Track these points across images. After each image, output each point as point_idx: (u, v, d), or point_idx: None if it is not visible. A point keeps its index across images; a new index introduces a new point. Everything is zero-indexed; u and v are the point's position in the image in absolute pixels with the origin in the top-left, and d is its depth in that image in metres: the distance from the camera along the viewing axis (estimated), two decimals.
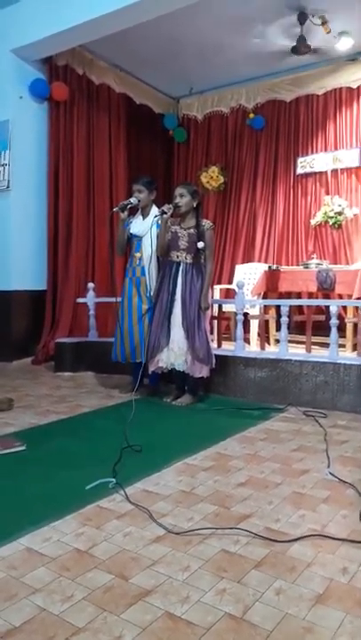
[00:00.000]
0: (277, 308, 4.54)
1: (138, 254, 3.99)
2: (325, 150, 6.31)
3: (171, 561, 1.69)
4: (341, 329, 4.22)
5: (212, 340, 4.19)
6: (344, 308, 4.62)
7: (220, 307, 4.80)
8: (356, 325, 4.22)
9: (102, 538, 1.84)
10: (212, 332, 4.30)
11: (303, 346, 4.42)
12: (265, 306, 4.73)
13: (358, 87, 6.06)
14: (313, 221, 6.30)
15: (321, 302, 4.68)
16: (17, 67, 5.47)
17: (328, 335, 3.89)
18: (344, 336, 4.43)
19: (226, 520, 1.99)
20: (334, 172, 6.22)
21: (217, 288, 5.64)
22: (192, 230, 3.75)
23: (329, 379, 3.73)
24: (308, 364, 3.81)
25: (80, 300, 5.41)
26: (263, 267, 5.52)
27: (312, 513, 2.06)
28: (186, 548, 1.77)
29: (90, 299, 5.07)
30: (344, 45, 5.60)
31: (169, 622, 1.39)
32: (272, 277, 4.94)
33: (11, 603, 1.47)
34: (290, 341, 4.21)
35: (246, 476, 2.45)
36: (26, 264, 5.65)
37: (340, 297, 4.73)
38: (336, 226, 6.09)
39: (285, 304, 4.09)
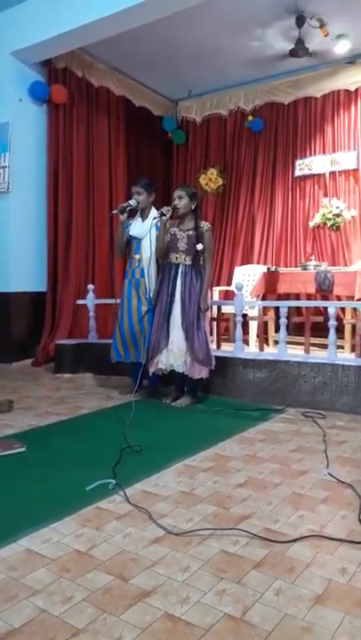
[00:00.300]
0: (276, 309, 4.56)
1: (137, 256, 4.00)
2: (324, 153, 6.33)
3: (170, 562, 1.70)
4: (340, 330, 4.23)
5: (212, 342, 4.19)
6: (342, 309, 4.63)
7: (219, 308, 4.81)
8: (354, 327, 4.24)
9: (102, 539, 1.85)
10: (211, 334, 4.31)
11: (302, 347, 4.43)
12: (264, 307, 4.74)
13: (356, 90, 6.08)
14: (311, 223, 6.32)
15: (320, 304, 4.69)
16: (16, 69, 5.49)
17: (327, 336, 3.90)
18: (342, 337, 4.45)
19: (225, 521, 1.99)
20: (332, 174, 6.25)
21: (216, 290, 5.65)
22: (191, 232, 3.76)
23: (327, 380, 3.74)
24: (307, 365, 3.82)
25: (80, 302, 5.42)
26: (262, 268, 5.54)
27: (311, 513, 2.06)
28: (185, 549, 1.78)
29: (89, 300, 5.08)
30: (342, 48, 5.61)
31: (168, 623, 1.40)
32: (271, 279, 4.96)
33: (11, 604, 1.47)
34: (289, 342, 4.23)
35: (245, 476, 2.45)
36: (26, 266, 5.66)
37: (339, 298, 4.75)
38: (334, 228, 6.11)
39: (284, 305, 4.11)
